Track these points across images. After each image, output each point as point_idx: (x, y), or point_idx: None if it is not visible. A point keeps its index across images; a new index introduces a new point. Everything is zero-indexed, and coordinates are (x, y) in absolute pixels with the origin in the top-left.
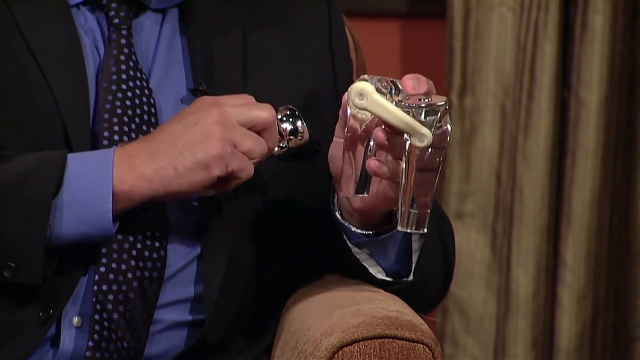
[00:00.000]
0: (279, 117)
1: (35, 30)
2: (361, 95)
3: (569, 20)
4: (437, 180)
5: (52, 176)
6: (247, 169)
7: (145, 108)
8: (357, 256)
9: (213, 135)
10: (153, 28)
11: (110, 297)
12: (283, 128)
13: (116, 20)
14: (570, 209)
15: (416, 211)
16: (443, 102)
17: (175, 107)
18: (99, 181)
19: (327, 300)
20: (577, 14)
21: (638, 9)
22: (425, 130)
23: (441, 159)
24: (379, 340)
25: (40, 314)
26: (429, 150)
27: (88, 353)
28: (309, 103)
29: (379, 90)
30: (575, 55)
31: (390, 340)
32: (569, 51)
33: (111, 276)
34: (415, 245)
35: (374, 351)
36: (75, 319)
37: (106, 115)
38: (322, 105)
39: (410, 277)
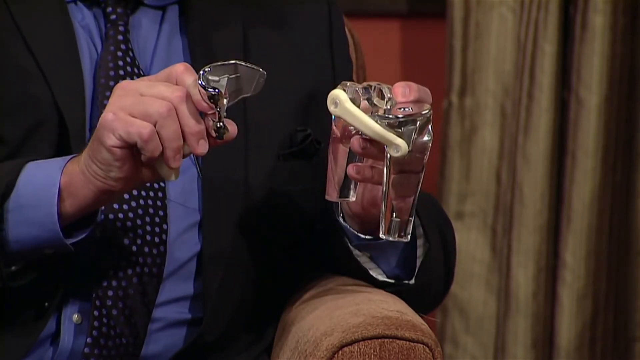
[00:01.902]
0: (201, 82)
1: (31, 23)
2: (335, 102)
3: (569, 20)
4: (418, 189)
5: (4, 179)
6: (135, 130)
7: None
8: (358, 258)
9: (107, 109)
10: (152, 26)
11: (110, 293)
12: (205, 95)
13: (113, 17)
14: (570, 209)
15: (398, 219)
16: (425, 112)
17: None
18: (48, 183)
19: (327, 300)
20: (577, 14)
21: (638, 9)
22: (399, 141)
23: (422, 168)
24: (379, 340)
25: (39, 308)
26: (408, 159)
27: (86, 349)
28: (308, 102)
29: (354, 100)
30: (575, 55)
31: (390, 340)
32: (569, 51)
33: (111, 272)
34: (420, 251)
35: (374, 351)
36: (75, 316)
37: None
38: (321, 105)
39: (412, 281)
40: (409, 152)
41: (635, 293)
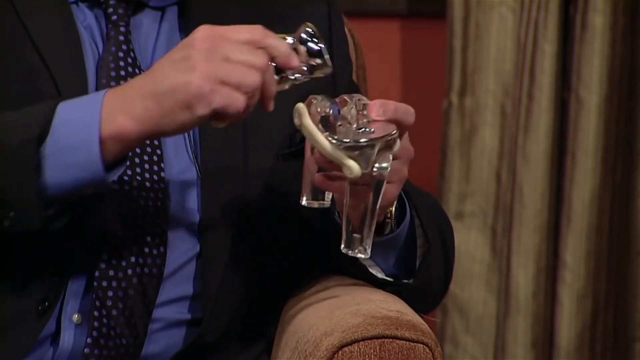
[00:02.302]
0: (298, 37)
1: (37, 23)
2: (297, 116)
3: (569, 20)
4: (376, 208)
5: (39, 122)
6: (233, 104)
7: None
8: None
9: (195, 73)
10: (152, 26)
11: (110, 293)
12: (302, 50)
13: (114, 17)
14: (570, 209)
15: (358, 235)
16: (390, 137)
17: None
18: (87, 125)
19: (327, 300)
20: (577, 14)
21: (638, 9)
22: (351, 163)
23: (379, 190)
24: (379, 340)
25: (39, 307)
26: (365, 180)
27: (86, 350)
28: None
29: (314, 115)
30: (575, 55)
31: (390, 340)
32: (569, 51)
33: (111, 272)
34: (420, 251)
35: (374, 351)
36: (75, 316)
37: None
38: None
39: (411, 280)
40: (363, 174)
41: (635, 293)
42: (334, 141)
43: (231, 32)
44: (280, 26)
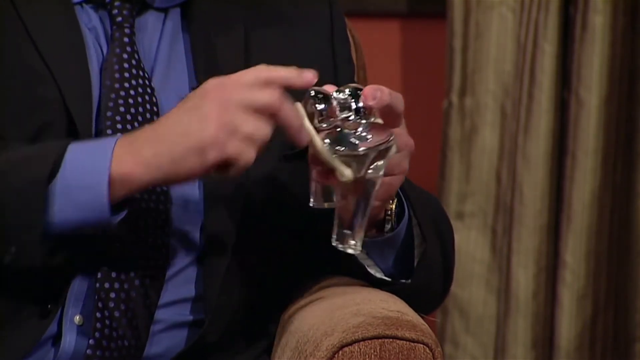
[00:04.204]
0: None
1: (40, 26)
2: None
3: (569, 20)
4: (368, 211)
5: (49, 161)
6: (245, 154)
7: (148, 107)
8: (356, 254)
9: (209, 120)
10: (155, 27)
11: (112, 295)
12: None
13: (119, 19)
14: (570, 209)
15: (349, 232)
16: (386, 144)
17: None
18: (97, 167)
19: (327, 300)
20: (577, 14)
21: (638, 9)
22: (344, 169)
23: (369, 196)
24: (379, 340)
25: (41, 308)
26: (356, 184)
27: (89, 351)
28: None
29: (309, 113)
30: (575, 55)
31: (391, 340)
32: (569, 51)
33: (113, 274)
34: (417, 251)
35: (374, 351)
36: (77, 318)
37: (109, 114)
38: None
39: (408, 280)
40: (356, 179)
41: (635, 293)
42: (329, 145)
43: (237, 77)
44: (282, 27)
